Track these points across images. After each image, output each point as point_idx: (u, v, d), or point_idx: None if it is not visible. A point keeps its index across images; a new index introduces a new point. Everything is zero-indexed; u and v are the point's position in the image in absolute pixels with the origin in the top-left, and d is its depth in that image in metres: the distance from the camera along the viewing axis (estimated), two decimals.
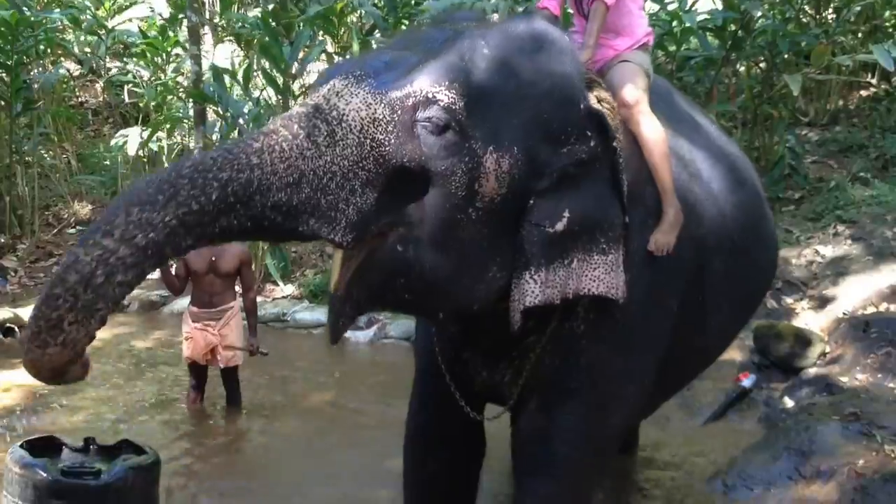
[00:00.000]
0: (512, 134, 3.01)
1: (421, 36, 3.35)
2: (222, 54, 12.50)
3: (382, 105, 2.82)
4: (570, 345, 3.44)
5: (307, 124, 2.79)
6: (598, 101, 3.32)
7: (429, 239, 2.93)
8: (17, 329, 8.36)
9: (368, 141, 2.79)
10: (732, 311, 4.17)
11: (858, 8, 9.63)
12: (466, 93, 2.92)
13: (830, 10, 10.62)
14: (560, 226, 3.08)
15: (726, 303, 4.03)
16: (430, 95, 2.86)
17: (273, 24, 9.97)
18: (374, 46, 9.64)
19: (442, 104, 2.86)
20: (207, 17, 12.54)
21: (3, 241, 11.04)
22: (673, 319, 3.68)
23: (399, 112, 2.84)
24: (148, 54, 12.24)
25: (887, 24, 10.98)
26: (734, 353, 6.81)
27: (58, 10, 12.48)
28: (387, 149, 2.80)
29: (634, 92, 3.61)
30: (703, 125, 4.26)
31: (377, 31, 10.29)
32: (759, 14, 8.85)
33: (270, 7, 11.34)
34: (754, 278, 4.29)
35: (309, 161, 2.74)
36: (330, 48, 10.63)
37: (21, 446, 4.01)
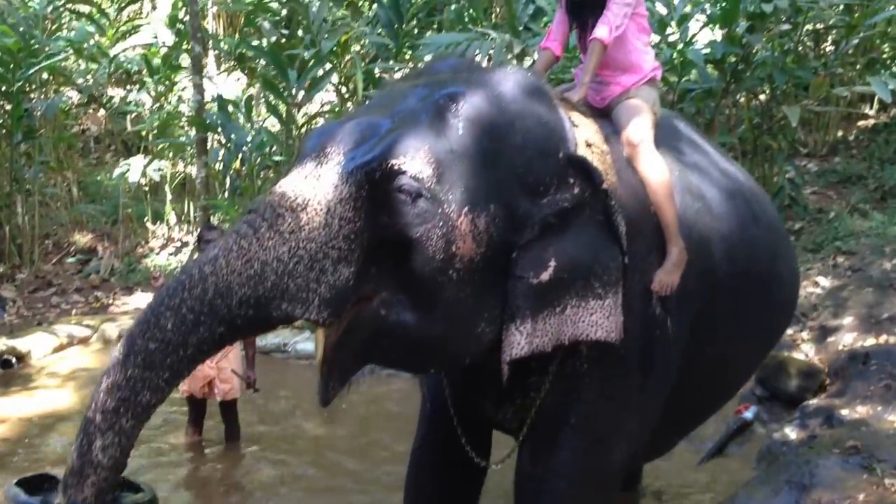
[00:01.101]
0: (487, 192, 3.08)
1: (396, 93, 3.41)
2: (225, 81, 12.55)
3: (349, 184, 2.93)
4: (574, 382, 3.46)
5: (271, 215, 2.91)
6: (587, 145, 3.36)
7: (412, 302, 3.03)
8: (14, 360, 8.38)
9: (336, 221, 2.91)
10: (748, 347, 4.17)
11: (856, 40, 9.65)
12: (436, 158, 3.00)
13: (829, 43, 10.68)
14: (545, 275, 3.14)
15: (741, 338, 4.04)
16: (397, 167, 2.95)
17: (278, 53, 10.02)
18: (377, 75, 9.74)
19: (410, 173, 2.94)
20: (211, 45, 12.58)
21: (1, 270, 11.03)
22: (680, 355, 3.69)
23: (367, 187, 2.93)
24: (150, 82, 12.29)
25: (885, 55, 11.04)
26: None
27: (60, 37, 12.55)
28: (357, 225, 2.93)
29: (638, 132, 3.64)
30: (716, 159, 4.24)
31: (380, 60, 10.32)
32: (758, 46, 8.87)
33: (273, 39, 11.39)
34: (771, 314, 4.28)
35: (271, 251, 2.87)
36: (334, 78, 10.66)
37: (16, 484, 3.99)
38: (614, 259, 3.24)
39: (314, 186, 2.94)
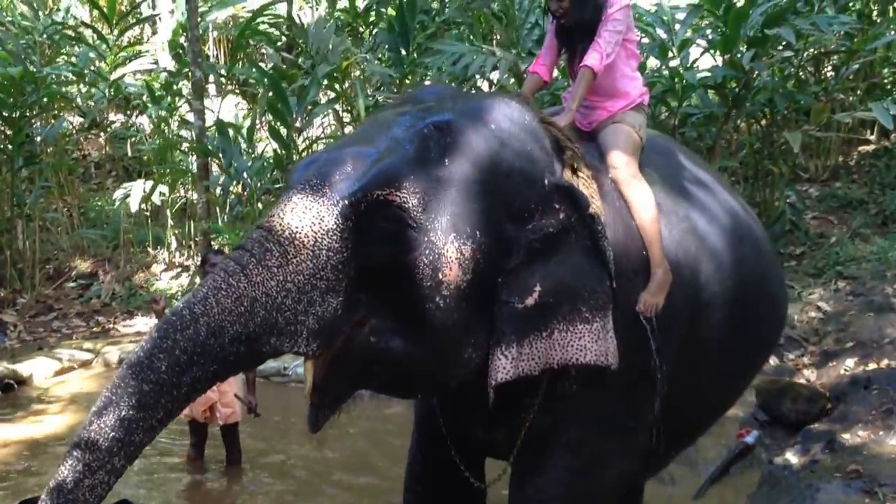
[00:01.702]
0: (473, 219, 3.12)
1: (381, 122, 3.44)
2: (226, 107, 12.61)
3: (335, 215, 2.96)
4: (563, 404, 3.48)
5: (259, 250, 2.93)
6: (573, 170, 3.40)
7: (400, 328, 3.06)
8: (15, 384, 8.36)
9: (324, 252, 2.95)
10: (737, 367, 4.17)
11: (857, 66, 9.74)
12: (421, 187, 3.04)
13: (829, 68, 10.74)
14: (531, 300, 3.17)
15: (730, 358, 4.04)
16: (382, 198, 2.98)
17: (280, 79, 10.09)
18: (380, 101, 9.79)
19: (395, 203, 2.98)
20: (213, 69, 12.64)
21: (2, 295, 11.02)
22: (669, 376, 3.68)
23: (354, 218, 2.96)
24: (151, 108, 12.33)
25: (885, 80, 11.10)
26: (736, 409, 6.66)
27: (62, 62, 12.64)
28: (345, 255, 2.96)
29: (622, 156, 3.70)
30: (705, 181, 4.25)
31: (382, 86, 10.39)
32: (759, 72, 8.92)
33: (272, 64, 11.45)
34: (759, 335, 4.28)
35: (259, 286, 2.88)
36: (337, 106, 10.73)
37: None
38: (601, 283, 3.27)
39: (301, 219, 2.96)
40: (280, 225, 2.96)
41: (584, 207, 3.25)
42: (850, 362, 6.98)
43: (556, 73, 5.35)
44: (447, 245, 3.04)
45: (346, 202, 2.98)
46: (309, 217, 2.96)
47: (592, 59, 3.79)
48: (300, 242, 2.93)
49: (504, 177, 3.21)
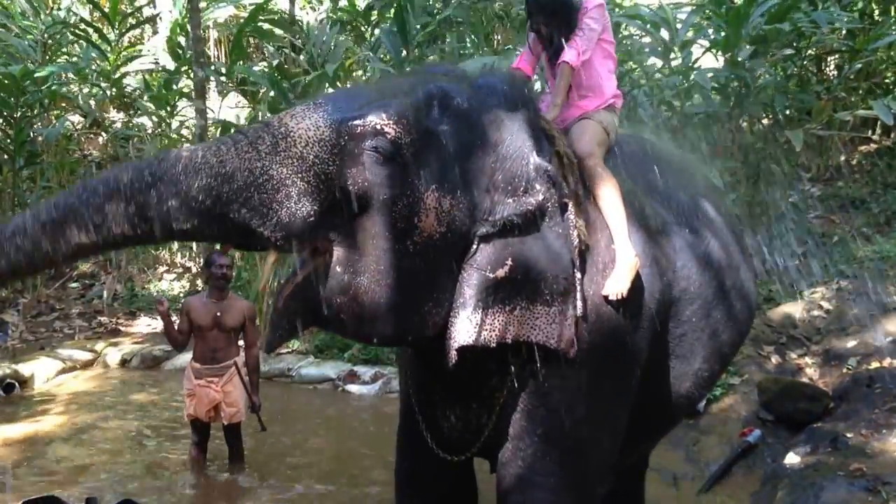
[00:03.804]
0: (457, 178, 3.24)
1: (393, 81, 3.68)
2: (227, 105, 12.63)
3: (331, 129, 3.09)
4: (536, 388, 3.52)
5: (253, 135, 3.08)
6: (559, 156, 3.52)
7: (367, 264, 3.15)
8: (17, 384, 8.39)
9: (311, 157, 3.07)
10: (708, 358, 4.19)
11: (859, 65, 9.78)
12: (416, 132, 3.17)
13: (832, 67, 10.76)
14: (501, 272, 3.25)
15: (701, 349, 4.09)
16: (378, 127, 3.12)
17: (280, 78, 10.10)
18: None
19: (389, 136, 3.11)
20: (213, 69, 12.66)
21: (4, 295, 11.03)
22: (640, 363, 3.76)
23: (346, 137, 3.10)
24: (151, 107, 12.34)
25: (887, 80, 11.13)
26: (739, 409, 6.88)
27: (59, 63, 12.60)
28: (330, 168, 3.08)
29: (588, 146, 3.81)
30: (681, 182, 4.36)
31: None
32: (761, 71, 8.94)
33: (276, 63, 11.45)
34: (730, 326, 4.32)
35: (245, 161, 3.01)
36: None
37: None
38: (565, 270, 3.35)
39: (298, 122, 3.10)
40: (278, 122, 3.13)
41: (562, 195, 3.35)
42: (852, 361, 7.01)
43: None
44: (428, 193, 3.16)
45: (345, 122, 3.11)
46: (306, 123, 3.10)
47: (570, 55, 3.97)
48: (292, 140, 3.06)
49: (493, 147, 3.33)
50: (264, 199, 3.01)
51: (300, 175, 3.04)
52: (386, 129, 3.11)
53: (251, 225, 3.02)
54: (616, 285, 3.51)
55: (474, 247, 3.26)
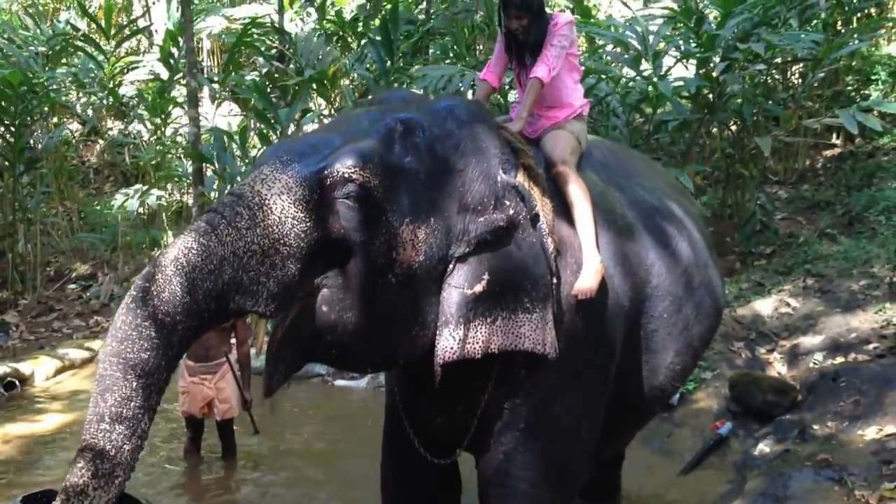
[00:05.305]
0: (429, 206, 3.39)
1: (349, 118, 3.72)
2: (220, 113, 12.84)
3: (302, 186, 3.19)
4: (517, 387, 3.71)
5: (230, 214, 3.12)
6: (525, 169, 3.66)
7: (352, 302, 3.28)
8: (17, 383, 8.52)
9: (289, 220, 3.14)
10: (681, 351, 4.37)
11: (822, 74, 9.96)
12: (383, 172, 3.29)
13: (796, 75, 11.03)
14: (479, 287, 3.42)
15: (673, 344, 4.29)
16: (346, 175, 3.21)
17: (269, 87, 10.31)
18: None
19: (358, 182, 3.23)
20: (206, 77, 12.83)
21: (4, 296, 11.19)
22: (615, 358, 3.97)
23: (318, 191, 3.21)
24: (146, 115, 12.56)
25: (849, 87, 11.37)
26: (711, 402, 6.95)
27: (59, 73, 12.87)
28: (307, 224, 3.18)
29: (561, 154, 3.98)
30: (648, 185, 4.55)
31: (370, 94, 10.57)
32: (734, 85, 9.22)
33: (265, 71, 11.65)
34: (700, 321, 4.47)
35: (228, 246, 3.07)
36: (325, 111, 10.94)
37: (21, 500, 4.07)
38: (542, 277, 3.53)
39: (270, 188, 3.16)
40: (251, 192, 3.17)
41: (531, 206, 3.54)
42: (818, 356, 7.07)
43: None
44: (403, 227, 3.28)
45: (314, 177, 3.20)
46: (278, 187, 3.17)
47: (541, 71, 4.06)
48: (268, 208, 3.12)
49: (460, 172, 3.48)
50: (252, 278, 3.08)
51: (281, 241, 3.12)
52: (354, 176, 3.20)
53: (245, 308, 3.14)
54: (583, 285, 3.69)
55: (451, 267, 3.41)
